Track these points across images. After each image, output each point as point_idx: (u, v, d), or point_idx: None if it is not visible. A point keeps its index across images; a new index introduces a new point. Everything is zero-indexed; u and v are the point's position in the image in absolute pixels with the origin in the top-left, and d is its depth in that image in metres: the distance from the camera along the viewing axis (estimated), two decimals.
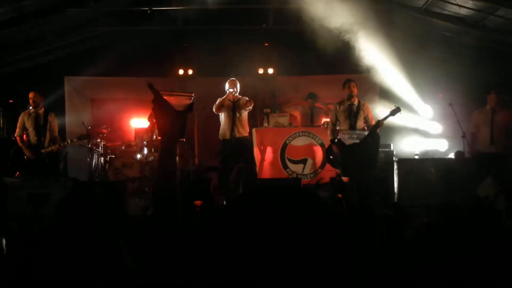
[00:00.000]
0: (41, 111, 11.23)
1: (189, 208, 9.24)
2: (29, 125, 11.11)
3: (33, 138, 11.08)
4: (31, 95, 11.16)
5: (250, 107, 10.79)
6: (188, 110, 2.20)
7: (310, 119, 12.95)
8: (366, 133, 10.47)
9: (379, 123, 10.39)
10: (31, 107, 11.24)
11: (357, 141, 10.41)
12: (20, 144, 11.02)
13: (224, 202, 10.30)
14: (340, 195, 5.56)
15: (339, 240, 1.24)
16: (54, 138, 11.30)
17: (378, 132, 10.71)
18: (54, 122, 11.40)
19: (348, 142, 10.49)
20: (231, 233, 1.23)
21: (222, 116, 10.78)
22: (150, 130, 12.20)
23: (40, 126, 11.15)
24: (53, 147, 11.03)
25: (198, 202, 9.95)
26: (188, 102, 2.05)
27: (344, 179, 9.97)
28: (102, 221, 3.83)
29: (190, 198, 9.78)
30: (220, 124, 10.90)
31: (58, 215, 3.75)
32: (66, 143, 11.30)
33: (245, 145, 10.86)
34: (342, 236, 1.25)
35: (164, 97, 2.06)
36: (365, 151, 10.44)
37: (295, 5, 12.53)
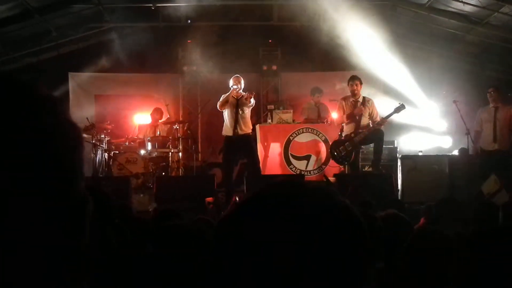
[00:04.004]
0: None
1: (200, 205, 9.25)
2: None
3: None
4: None
5: (252, 102, 10.69)
6: None
7: (318, 115, 12.81)
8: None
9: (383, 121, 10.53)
10: None
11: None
12: None
13: (237, 199, 10.16)
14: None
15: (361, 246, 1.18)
16: None
17: (382, 128, 10.76)
18: None
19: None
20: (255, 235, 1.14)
21: (226, 113, 10.71)
22: (153, 125, 12.18)
23: None
24: None
25: (210, 199, 9.97)
26: None
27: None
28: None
29: (195, 194, 9.82)
30: (223, 121, 10.88)
31: None
32: None
33: (247, 141, 10.77)
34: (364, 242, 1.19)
35: None
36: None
37: (299, 1, 12.54)
